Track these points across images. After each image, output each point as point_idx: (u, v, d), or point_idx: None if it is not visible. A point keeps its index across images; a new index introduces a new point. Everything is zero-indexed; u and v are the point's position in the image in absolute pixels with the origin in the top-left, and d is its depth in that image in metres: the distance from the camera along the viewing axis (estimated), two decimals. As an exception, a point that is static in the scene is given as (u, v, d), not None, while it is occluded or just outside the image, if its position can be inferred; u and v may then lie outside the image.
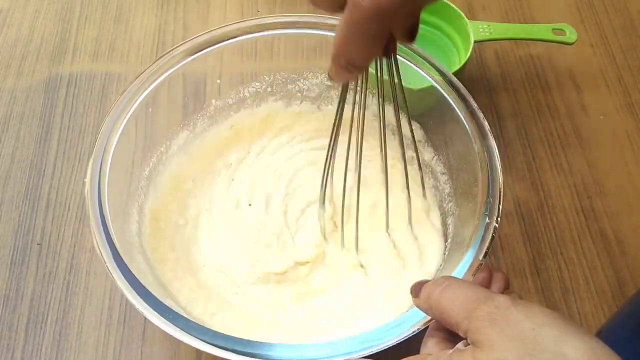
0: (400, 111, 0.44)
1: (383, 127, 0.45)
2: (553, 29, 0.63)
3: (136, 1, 0.72)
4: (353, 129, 0.45)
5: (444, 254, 0.49)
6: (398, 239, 0.51)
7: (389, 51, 0.39)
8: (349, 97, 0.43)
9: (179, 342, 0.50)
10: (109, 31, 0.69)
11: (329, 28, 0.51)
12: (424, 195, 0.52)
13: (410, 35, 0.34)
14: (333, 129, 0.45)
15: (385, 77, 0.41)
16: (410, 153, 0.49)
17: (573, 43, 0.62)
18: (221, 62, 0.53)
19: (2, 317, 0.51)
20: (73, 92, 0.64)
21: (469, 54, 0.59)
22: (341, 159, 0.47)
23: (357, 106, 0.43)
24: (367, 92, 0.43)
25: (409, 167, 0.48)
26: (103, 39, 0.69)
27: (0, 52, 0.67)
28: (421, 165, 0.51)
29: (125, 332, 0.51)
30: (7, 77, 0.65)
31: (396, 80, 0.41)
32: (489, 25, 0.62)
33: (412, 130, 0.48)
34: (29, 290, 0.53)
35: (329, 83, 0.57)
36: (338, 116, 0.44)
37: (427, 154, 0.54)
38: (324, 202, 0.49)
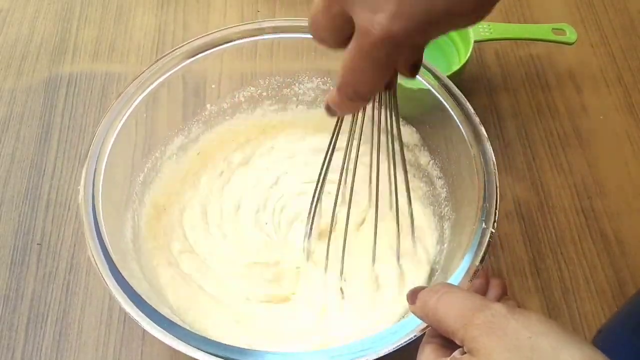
0: (395, 142, 0.43)
1: (378, 156, 0.44)
2: (553, 28, 0.63)
3: (136, 1, 0.72)
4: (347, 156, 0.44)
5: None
6: (382, 270, 0.50)
7: (389, 85, 0.39)
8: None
9: (179, 342, 0.50)
10: (109, 31, 0.69)
11: None
12: (413, 239, 0.51)
13: (413, 69, 0.34)
14: (325, 158, 0.44)
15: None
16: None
17: (573, 43, 0.62)
18: (221, 65, 0.53)
19: (2, 317, 0.51)
20: (73, 92, 0.64)
21: (469, 54, 0.59)
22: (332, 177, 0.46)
23: (353, 137, 0.42)
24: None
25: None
26: (103, 39, 0.69)
27: (0, 52, 0.67)
28: (411, 200, 0.48)
29: (125, 332, 0.51)
30: (7, 77, 0.65)
31: (394, 116, 0.41)
32: (489, 25, 0.62)
33: (403, 167, 0.45)
34: (29, 290, 0.53)
35: (324, 87, 0.57)
36: (331, 149, 0.43)
37: (423, 159, 0.54)
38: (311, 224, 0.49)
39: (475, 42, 0.60)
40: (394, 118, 0.41)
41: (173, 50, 0.50)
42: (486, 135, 0.46)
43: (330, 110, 0.37)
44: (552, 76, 0.67)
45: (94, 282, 0.53)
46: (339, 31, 0.33)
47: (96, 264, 0.39)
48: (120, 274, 0.39)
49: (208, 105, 0.55)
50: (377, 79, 0.33)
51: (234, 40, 0.51)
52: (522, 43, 0.69)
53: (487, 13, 0.30)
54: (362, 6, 0.29)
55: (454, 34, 0.63)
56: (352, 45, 0.31)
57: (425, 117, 0.53)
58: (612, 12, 0.73)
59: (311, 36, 0.34)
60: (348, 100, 0.35)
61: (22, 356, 0.50)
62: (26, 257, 0.54)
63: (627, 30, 0.71)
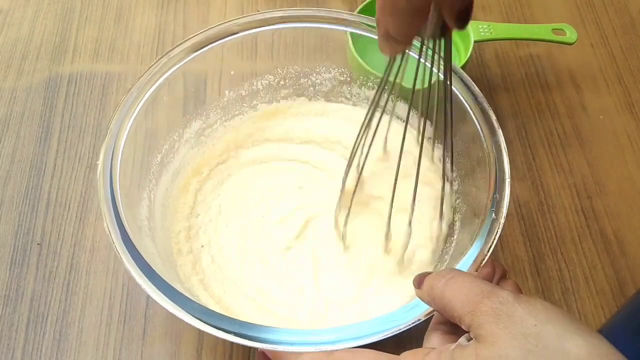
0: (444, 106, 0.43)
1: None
2: (553, 29, 0.63)
3: (136, 1, 0.72)
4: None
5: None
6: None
7: (444, 31, 0.34)
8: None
9: (179, 342, 0.50)
10: (109, 31, 0.69)
11: (336, 22, 0.52)
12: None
13: (460, 18, 0.30)
14: (364, 125, 0.45)
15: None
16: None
17: (573, 43, 0.62)
18: (240, 53, 0.53)
19: (2, 317, 0.51)
20: (73, 92, 0.64)
21: (469, 54, 0.59)
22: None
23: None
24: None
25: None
26: (103, 39, 0.69)
27: (0, 52, 0.67)
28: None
29: (125, 332, 0.51)
30: (7, 77, 0.65)
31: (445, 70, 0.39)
32: (489, 25, 0.62)
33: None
34: (29, 290, 0.53)
35: (341, 78, 0.57)
36: (370, 112, 0.44)
37: (437, 150, 0.54)
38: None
39: (475, 42, 0.60)
40: (445, 73, 0.39)
41: (190, 38, 0.50)
42: (499, 127, 0.46)
43: (380, 49, 0.36)
44: (552, 76, 0.67)
45: (94, 282, 0.53)
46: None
47: (110, 235, 0.40)
48: (134, 245, 0.40)
49: (226, 92, 0.56)
50: (407, 23, 0.31)
51: (251, 29, 0.51)
52: (522, 43, 0.69)
53: None
54: None
55: (454, 34, 0.63)
56: None
57: (438, 109, 0.53)
58: (612, 12, 0.73)
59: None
60: (384, 40, 0.33)
61: (22, 356, 0.50)
62: (26, 257, 0.54)
63: (627, 30, 0.71)
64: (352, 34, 0.54)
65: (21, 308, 0.52)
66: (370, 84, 0.57)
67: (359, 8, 0.62)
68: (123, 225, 0.41)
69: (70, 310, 0.52)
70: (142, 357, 0.50)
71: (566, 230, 0.57)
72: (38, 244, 0.55)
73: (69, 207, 0.57)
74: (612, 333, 0.49)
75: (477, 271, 0.39)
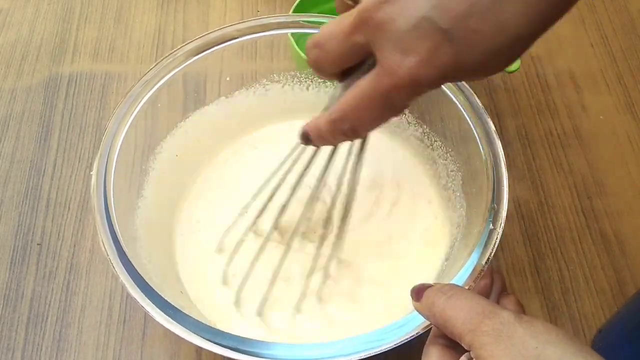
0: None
1: None
2: None
3: (136, 1, 0.72)
4: None
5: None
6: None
7: None
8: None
9: (179, 343, 0.50)
10: (109, 31, 0.69)
11: None
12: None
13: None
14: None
15: None
16: None
17: (512, 72, 0.61)
18: (240, 59, 0.53)
19: (2, 317, 0.51)
20: (73, 92, 0.64)
21: None
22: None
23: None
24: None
25: None
26: (103, 39, 0.69)
27: (0, 52, 0.67)
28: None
29: (125, 332, 0.51)
30: (7, 77, 0.65)
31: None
32: None
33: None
34: (29, 290, 0.53)
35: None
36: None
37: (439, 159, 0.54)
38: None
39: None
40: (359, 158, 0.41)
41: (188, 43, 0.50)
42: (497, 136, 0.45)
43: (307, 140, 0.36)
44: (552, 76, 0.67)
45: (94, 282, 0.53)
46: (345, 62, 0.32)
47: (105, 249, 0.40)
48: (129, 259, 0.40)
49: (223, 98, 0.55)
50: (382, 119, 0.33)
51: (249, 34, 0.51)
52: (522, 43, 0.69)
53: (504, 68, 0.31)
54: (394, 46, 0.29)
55: None
56: (366, 82, 0.31)
57: (437, 116, 0.52)
58: (612, 12, 0.73)
59: (309, 61, 0.33)
60: (339, 135, 0.34)
61: (22, 356, 0.50)
62: (26, 257, 0.54)
63: (627, 30, 0.71)
64: (293, 33, 0.54)
65: (21, 308, 0.52)
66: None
67: (293, 7, 0.60)
68: (118, 240, 0.40)
69: (70, 311, 0.52)
70: (142, 357, 0.50)
71: (566, 230, 0.57)
72: (38, 244, 0.55)
73: (69, 207, 0.57)
74: (612, 333, 0.49)
75: (474, 282, 0.39)
